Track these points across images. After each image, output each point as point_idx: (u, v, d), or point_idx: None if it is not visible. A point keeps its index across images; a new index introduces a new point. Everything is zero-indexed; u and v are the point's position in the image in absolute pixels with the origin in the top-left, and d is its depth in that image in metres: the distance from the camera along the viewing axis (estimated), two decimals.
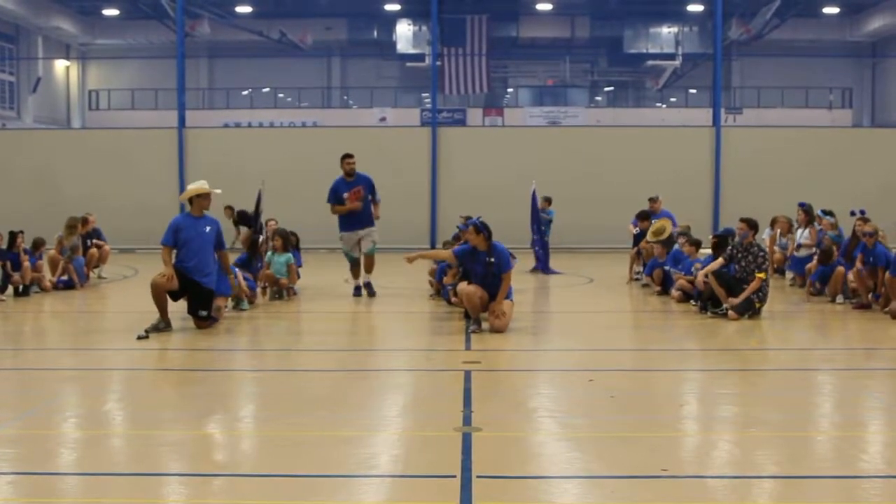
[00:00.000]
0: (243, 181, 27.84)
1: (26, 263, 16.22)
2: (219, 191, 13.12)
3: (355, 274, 16.60)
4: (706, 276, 13.75)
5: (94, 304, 16.43)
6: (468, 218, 16.94)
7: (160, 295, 12.25)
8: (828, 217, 17.28)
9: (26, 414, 7.83)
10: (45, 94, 50.16)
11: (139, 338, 11.63)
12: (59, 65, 52.75)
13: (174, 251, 12.68)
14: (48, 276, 17.22)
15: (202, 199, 12.80)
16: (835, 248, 15.70)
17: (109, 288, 18.40)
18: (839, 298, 15.11)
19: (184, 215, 13.02)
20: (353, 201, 15.98)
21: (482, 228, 12.42)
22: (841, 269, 15.05)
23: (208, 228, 12.66)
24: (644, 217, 19.14)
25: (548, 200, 22.46)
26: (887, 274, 13.57)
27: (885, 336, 12.44)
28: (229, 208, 22.86)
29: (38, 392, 8.81)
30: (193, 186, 13.04)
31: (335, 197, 16.17)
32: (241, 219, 22.40)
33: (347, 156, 16.42)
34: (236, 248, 19.48)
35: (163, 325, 12.17)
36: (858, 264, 14.47)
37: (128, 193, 27.87)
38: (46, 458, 6.57)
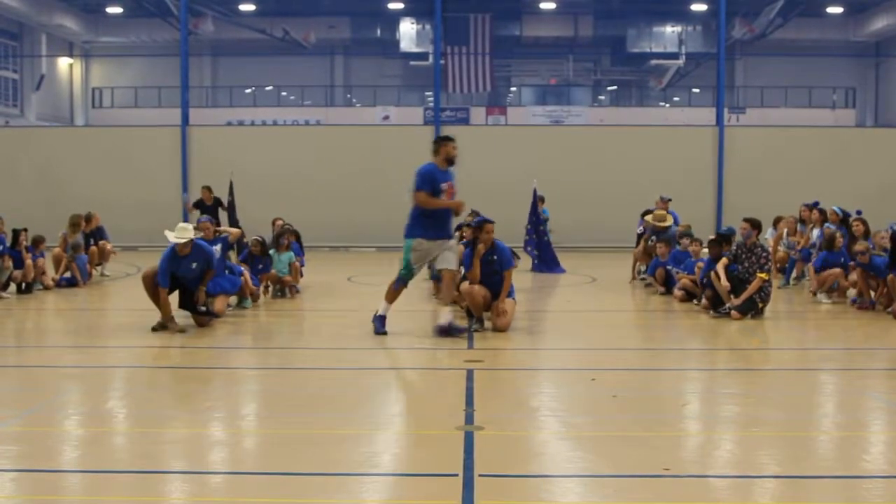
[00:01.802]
0: (246, 178, 27.90)
1: (29, 261, 16.22)
2: (187, 237, 12.32)
3: (393, 297, 12.32)
4: (717, 275, 13.72)
5: (97, 301, 16.45)
6: (476, 214, 16.92)
7: (151, 290, 12.22)
8: (830, 225, 17.09)
9: (28, 411, 7.84)
10: (48, 91, 50.19)
11: (154, 329, 11.86)
12: (63, 62, 52.75)
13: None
14: (50, 274, 17.22)
15: (183, 247, 12.33)
16: (839, 235, 15.65)
17: (112, 286, 18.41)
18: (821, 296, 15.20)
19: (171, 251, 12.32)
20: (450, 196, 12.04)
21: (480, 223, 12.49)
22: (837, 270, 15.08)
23: (195, 265, 12.40)
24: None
25: (541, 199, 22.35)
26: (890, 274, 13.58)
27: (887, 336, 12.44)
28: (207, 189, 21.99)
29: (40, 389, 8.82)
30: (174, 238, 12.34)
31: (432, 185, 11.95)
32: (216, 204, 21.84)
33: (450, 139, 12.44)
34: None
35: (168, 322, 12.16)
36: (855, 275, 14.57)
37: (131, 191, 27.86)
38: (49, 455, 6.58)
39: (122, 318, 14.20)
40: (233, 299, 14.15)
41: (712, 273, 13.79)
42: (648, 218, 18.16)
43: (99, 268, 19.15)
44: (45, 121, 47.58)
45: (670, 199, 19.35)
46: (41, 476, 6.11)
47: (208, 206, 21.53)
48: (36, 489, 5.91)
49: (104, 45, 53.08)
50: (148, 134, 30.69)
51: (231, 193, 22.83)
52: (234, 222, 21.81)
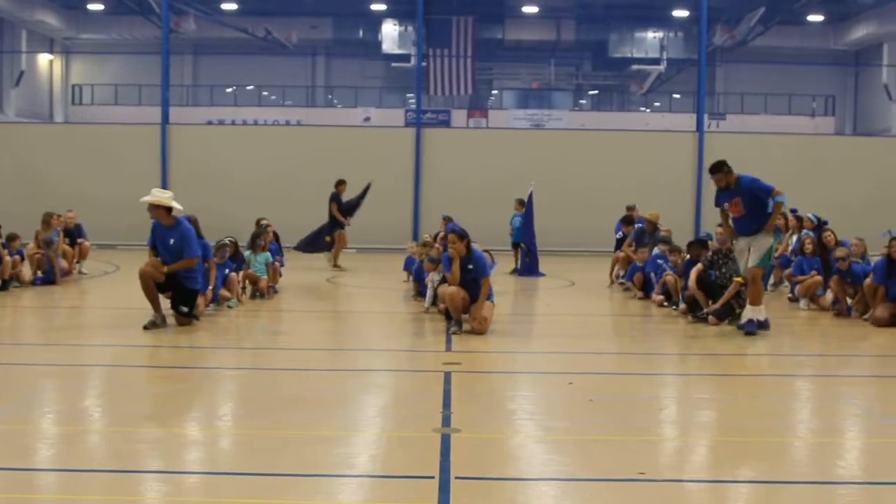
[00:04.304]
0: (226, 178, 27.88)
1: (7, 258, 16.11)
2: (148, 199, 12.59)
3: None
4: (695, 279, 13.82)
5: (74, 299, 16.37)
6: (449, 219, 16.95)
7: (148, 285, 12.22)
8: (808, 232, 17.24)
9: (4, 410, 7.79)
10: (27, 87, 49.90)
11: (145, 328, 11.88)
12: (43, 59, 52.48)
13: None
14: (27, 271, 17.09)
15: (148, 209, 12.58)
16: (809, 241, 15.86)
17: (90, 283, 18.32)
18: (803, 303, 15.34)
19: (157, 221, 12.67)
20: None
21: (464, 235, 12.47)
22: (818, 279, 15.23)
23: (172, 241, 12.45)
24: (629, 222, 19.24)
25: (522, 203, 22.27)
26: (867, 280, 13.69)
27: (863, 343, 12.53)
28: (344, 182, 21.96)
29: (16, 388, 8.76)
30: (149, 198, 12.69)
31: None
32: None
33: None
34: None
35: (159, 321, 12.15)
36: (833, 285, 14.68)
37: (110, 189, 27.72)
38: (24, 453, 6.54)
39: (99, 317, 14.14)
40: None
41: (693, 285, 13.89)
42: (648, 216, 18.25)
43: (77, 265, 19.05)
44: (24, 117, 47.30)
45: (634, 206, 19.59)
46: (16, 475, 6.07)
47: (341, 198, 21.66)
48: (11, 488, 5.86)
49: (85, 41, 52.82)
50: (128, 132, 30.58)
51: (363, 195, 22.40)
52: (346, 214, 21.69)
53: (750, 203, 12.63)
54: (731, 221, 12.94)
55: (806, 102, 49.12)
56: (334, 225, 21.42)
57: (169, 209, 12.58)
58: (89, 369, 9.97)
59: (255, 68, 51.29)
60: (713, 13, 36.19)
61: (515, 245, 21.77)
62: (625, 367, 10.83)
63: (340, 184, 21.83)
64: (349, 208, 21.90)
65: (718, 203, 13.10)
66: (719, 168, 12.72)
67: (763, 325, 12.59)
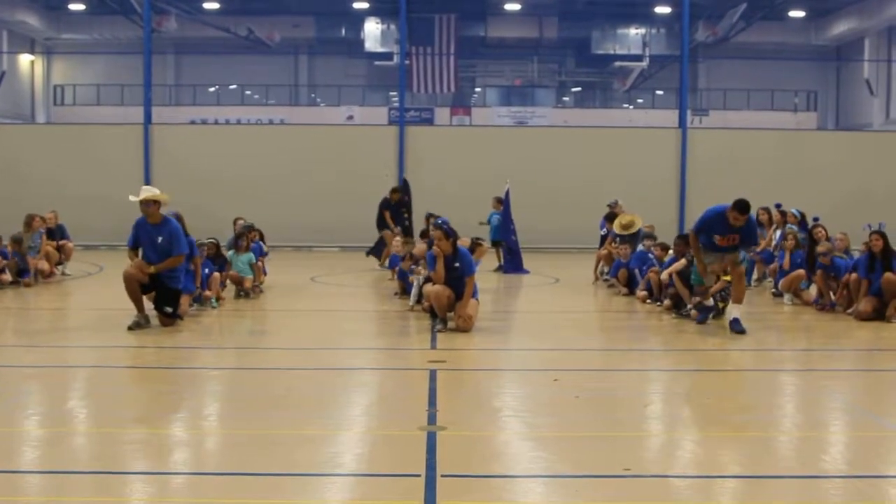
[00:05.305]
0: (209, 177, 27.79)
1: None
2: (141, 197, 12.61)
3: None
4: (669, 275, 13.92)
5: (57, 301, 16.31)
6: (436, 217, 16.94)
7: (133, 287, 12.18)
8: (792, 226, 17.31)
9: None
10: (9, 88, 49.59)
11: (129, 329, 11.86)
12: (24, 59, 52.20)
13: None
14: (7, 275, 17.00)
15: (143, 206, 12.51)
16: (793, 237, 15.94)
17: (73, 285, 18.25)
18: (787, 298, 15.39)
19: (143, 219, 12.64)
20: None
21: (451, 234, 12.47)
22: (801, 273, 15.29)
23: (160, 239, 12.42)
24: (612, 219, 19.27)
25: (499, 201, 22.25)
26: (851, 275, 13.76)
27: (847, 337, 12.58)
28: (395, 191, 22.20)
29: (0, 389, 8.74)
30: (132, 197, 12.72)
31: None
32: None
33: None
34: None
35: (143, 321, 12.11)
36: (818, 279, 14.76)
37: (93, 189, 27.60)
38: (8, 456, 6.51)
39: (82, 318, 14.09)
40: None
41: (665, 276, 13.96)
42: (615, 226, 18.23)
43: (60, 267, 18.97)
44: (5, 118, 47.00)
45: (616, 203, 19.63)
46: (0, 477, 6.05)
47: (393, 205, 21.76)
48: None
49: (66, 42, 52.53)
50: (111, 132, 30.45)
51: (408, 193, 22.54)
52: (399, 221, 21.63)
53: (744, 240, 12.61)
54: (711, 247, 12.58)
55: (788, 98, 49.22)
56: (383, 229, 21.48)
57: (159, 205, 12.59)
58: (73, 370, 9.93)
59: (237, 67, 51.13)
60: (695, 9, 36.24)
61: (496, 243, 21.76)
62: (610, 364, 10.86)
63: (395, 192, 21.95)
64: (406, 209, 22.05)
65: (706, 231, 12.56)
66: (749, 208, 12.41)
67: (710, 310, 13.12)
